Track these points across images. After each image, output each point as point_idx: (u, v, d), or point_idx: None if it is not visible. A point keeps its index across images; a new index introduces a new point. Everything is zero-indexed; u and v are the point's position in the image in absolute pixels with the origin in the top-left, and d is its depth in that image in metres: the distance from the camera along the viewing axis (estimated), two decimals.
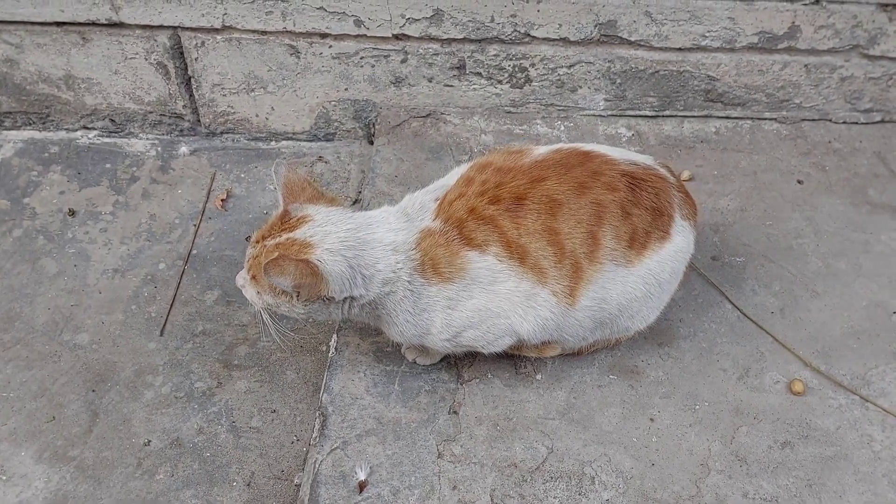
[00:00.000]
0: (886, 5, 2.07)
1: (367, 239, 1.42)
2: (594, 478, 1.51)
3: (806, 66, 2.16)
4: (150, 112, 2.30)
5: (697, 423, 1.59)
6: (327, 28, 2.11)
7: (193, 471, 1.66)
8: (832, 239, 1.96)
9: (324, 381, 1.67)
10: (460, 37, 2.11)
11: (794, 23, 2.10)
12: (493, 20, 2.09)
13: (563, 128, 2.25)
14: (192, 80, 2.23)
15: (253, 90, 2.25)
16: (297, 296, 1.38)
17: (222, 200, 2.19)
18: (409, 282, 1.44)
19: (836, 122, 2.27)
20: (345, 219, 1.43)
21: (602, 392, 1.65)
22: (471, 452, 1.55)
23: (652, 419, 1.60)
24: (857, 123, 2.27)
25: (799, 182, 2.11)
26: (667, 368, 1.69)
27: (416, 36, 2.12)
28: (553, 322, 1.49)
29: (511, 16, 2.08)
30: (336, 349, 1.71)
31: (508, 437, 1.57)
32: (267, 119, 2.32)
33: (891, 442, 1.57)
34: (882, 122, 2.27)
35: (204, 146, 2.34)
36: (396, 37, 2.12)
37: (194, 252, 2.07)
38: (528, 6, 2.06)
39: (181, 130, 2.35)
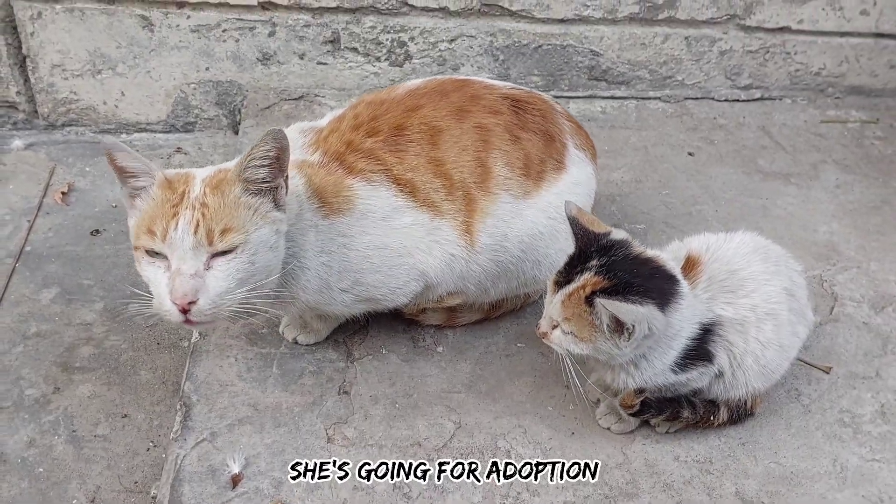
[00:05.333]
0: None
1: None
2: (509, 451, 1.32)
3: (686, 38, 2.13)
4: None
5: None
6: None
7: (21, 490, 1.34)
8: (730, 205, 1.90)
9: (185, 369, 1.40)
10: (333, 5, 1.95)
11: None
12: None
13: None
14: (28, 59, 1.95)
15: (100, 71, 1.99)
16: None
17: (63, 194, 1.89)
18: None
19: (718, 100, 2.25)
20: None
21: (511, 361, 1.47)
22: (366, 434, 1.32)
23: (567, 386, 1.43)
24: (738, 101, 2.26)
25: (690, 154, 2.06)
26: None
27: (285, 4, 1.94)
28: (459, 261, 1.32)
29: None
30: (200, 334, 1.45)
31: (410, 415, 1.36)
32: (116, 107, 2.05)
33: None
34: (762, 98, 2.28)
35: (42, 140, 2.04)
36: (262, 5, 1.94)
37: (28, 249, 1.76)
38: None
39: (14, 123, 2.04)
